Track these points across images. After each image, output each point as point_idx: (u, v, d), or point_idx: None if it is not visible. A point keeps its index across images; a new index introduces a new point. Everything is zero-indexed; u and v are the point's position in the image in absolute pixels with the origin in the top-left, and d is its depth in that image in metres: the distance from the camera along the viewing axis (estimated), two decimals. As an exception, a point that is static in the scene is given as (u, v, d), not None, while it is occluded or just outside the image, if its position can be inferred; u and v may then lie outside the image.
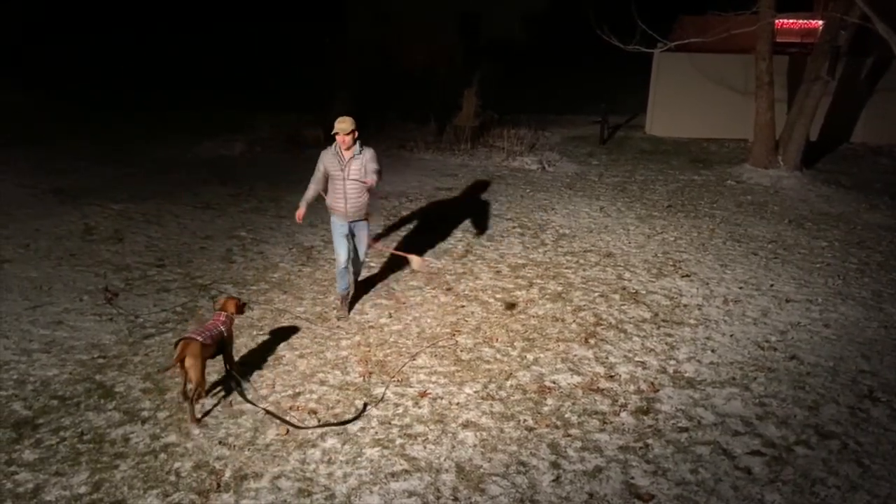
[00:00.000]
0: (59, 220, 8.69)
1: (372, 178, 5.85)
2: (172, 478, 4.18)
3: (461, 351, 5.72)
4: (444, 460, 4.36)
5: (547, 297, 6.78)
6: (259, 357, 5.56)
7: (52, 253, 7.63)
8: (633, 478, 4.22)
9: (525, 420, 4.79)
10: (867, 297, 6.93)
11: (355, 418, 4.76)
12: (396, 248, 7.88)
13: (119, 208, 9.20)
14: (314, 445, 4.49)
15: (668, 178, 11.47)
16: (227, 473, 4.22)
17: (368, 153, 5.97)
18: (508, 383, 5.24)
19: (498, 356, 5.64)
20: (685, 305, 6.65)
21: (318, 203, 6.34)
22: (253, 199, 9.81)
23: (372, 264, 7.47)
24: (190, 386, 4.69)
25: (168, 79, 18.87)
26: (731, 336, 6.06)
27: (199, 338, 4.62)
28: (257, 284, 6.97)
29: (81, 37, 20.97)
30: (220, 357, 4.97)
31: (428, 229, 8.57)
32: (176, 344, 4.73)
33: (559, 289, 6.97)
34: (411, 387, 5.18)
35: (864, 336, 6.10)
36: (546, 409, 4.93)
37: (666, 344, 5.90)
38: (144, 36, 21.50)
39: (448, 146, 12.96)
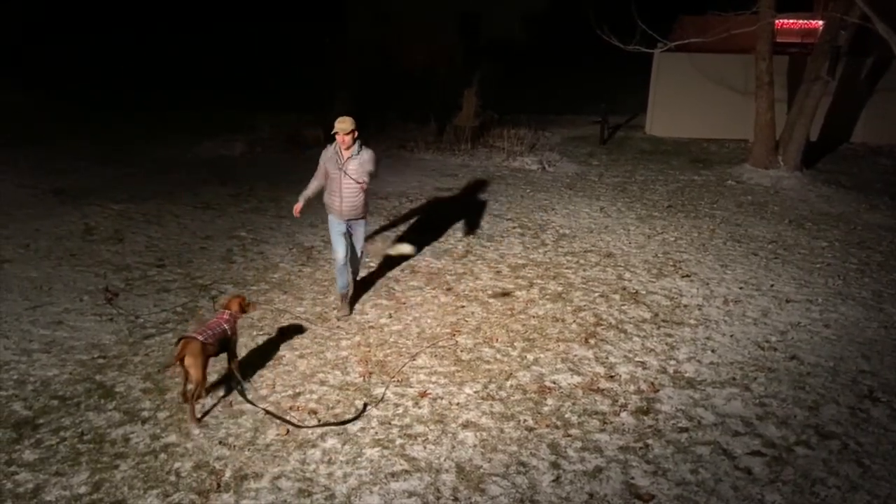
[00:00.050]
0: (60, 220, 8.69)
1: (362, 179, 5.91)
2: (172, 478, 4.18)
3: (461, 351, 5.72)
4: (444, 460, 4.36)
5: (547, 297, 6.78)
6: (259, 357, 5.56)
7: (52, 253, 7.64)
8: (633, 478, 4.22)
9: (525, 420, 4.79)
10: (867, 297, 6.93)
11: (355, 418, 4.76)
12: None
13: (119, 208, 9.20)
14: (314, 445, 4.49)
15: (669, 179, 11.47)
16: (228, 473, 4.22)
17: (367, 154, 5.99)
18: (508, 383, 5.24)
19: (498, 356, 5.64)
20: (685, 306, 6.65)
21: (319, 203, 6.34)
22: (253, 200, 9.81)
23: (371, 264, 7.47)
24: (190, 386, 4.70)
25: (168, 79, 18.87)
26: (732, 336, 6.06)
27: (199, 337, 4.63)
28: (257, 285, 6.97)
29: (81, 37, 20.98)
30: (221, 357, 4.97)
31: (428, 229, 8.57)
32: (177, 343, 4.73)
33: (559, 289, 6.97)
34: (411, 387, 5.18)
35: (865, 336, 6.10)
36: (546, 409, 4.93)
37: (666, 344, 5.90)
38: (144, 36, 21.51)
39: (448, 146, 12.96)
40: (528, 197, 10.22)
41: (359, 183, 5.93)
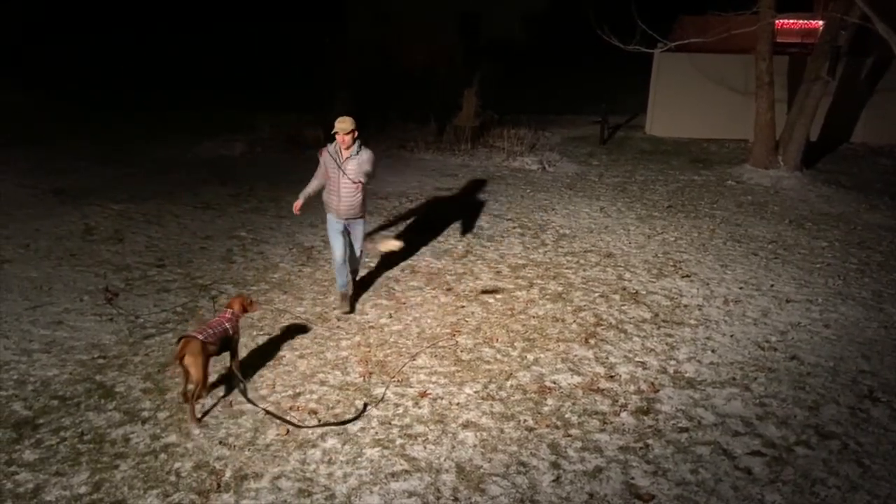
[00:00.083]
0: (60, 220, 8.69)
1: (359, 179, 5.93)
2: (173, 478, 4.18)
3: (461, 351, 5.72)
4: (445, 460, 4.36)
5: (547, 297, 6.78)
6: (259, 357, 5.57)
7: (52, 253, 7.63)
8: (633, 478, 4.22)
9: (525, 420, 4.79)
10: (867, 297, 6.93)
11: (355, 418, 4.76)
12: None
13: (119, 208, 9.20)
14: (314, 445, 4.49)
15: (669, 179, 11.47)
16: (228, 473, 4.22)
17: (366, 155, 6.02)
18: (509, 383, 5.24)
19: (498, 356, 5.64)
20: (685, 306, 6.65)
21: (319, 203, 6.35)
22: (253, 200, 9.81)
23: (371, 264, 7.47)
24: (190, 386, 4.70)
25: (168, 79, 18.87)
26: (732, 336, 6.06)
27: (199, 336, 4.63)
28: (257, 285, 6.97)
29: (81, 37, 20.99)
30: (221, 357, 4.97)
31: (428, 229, 8.57)
32: (177, 342, 4.74)
33: (559, 289, 6.97)
34: (411, 387, 5.18)
35: (865, 336, 6.10)
36: (546, 409, 4.93)
37: (666, 344, 5.90)
38: (144, 36, 21.51)
39: (448, 146, 12.97)
40: (528, 197, 10.22)
41: (355, 183, 5.95)
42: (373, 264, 7.47)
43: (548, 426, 4.72)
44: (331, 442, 4.52)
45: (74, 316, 6.22)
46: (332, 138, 6.04)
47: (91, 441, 4.50)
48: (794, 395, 5.14)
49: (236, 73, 18.69)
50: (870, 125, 13.90)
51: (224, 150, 12.90)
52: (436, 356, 5.63)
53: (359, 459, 4.36)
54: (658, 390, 5.18)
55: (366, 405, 4.92)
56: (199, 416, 4.71)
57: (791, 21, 14.20)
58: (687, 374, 5.41)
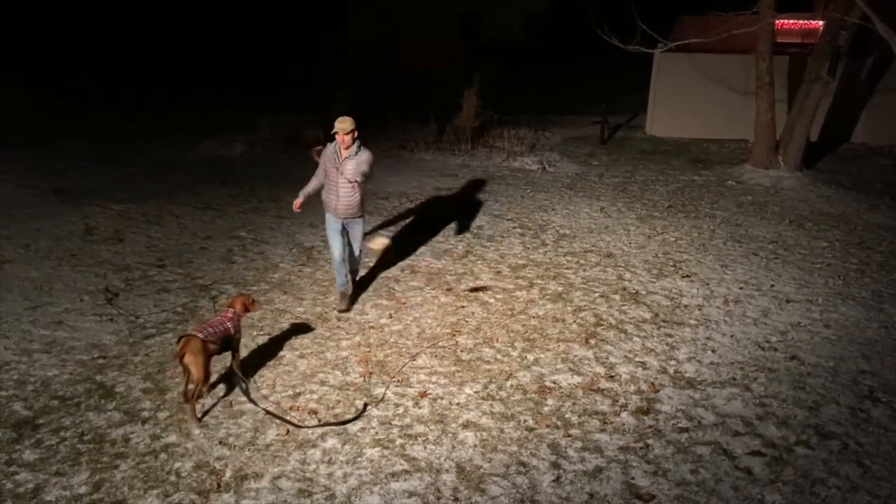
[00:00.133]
0: (60, 220, 8.69)
1: (354, 179, 5.94)
2: (173, 478, 4.18)
3: (461, 351, 5.72)
4: (445, 460, 4.36)
5: (547, 297, 6.78)
6: (259, 357, 5.56)
7: (52, 253, 7.63)
8: (633, 478, 4.22)
9: (525, 420, 4.79)
10: (867, 297, 6.93)
11: (355, 418, 4.76)
12: (392, 249, 7.90)
13: (119, 208, 9.20)
14: (314, 446, 4.49)
15: (669, 179, 11.47)
16: (228, 473, 4.21)
17: (365, 155, 6.04)
18: (509, 383, 5.24)
19: (498, 356, 5.64)
20: (685, 306, 6.65)
21: (319, 203, 6.36)
22: (253, 200, 9.81)
23: (371, 264, 7.47)
24: (191, 386, 4.70)
25: (168, 79, 18.87)
26: (732, 336, 6.06)
27: (199, 335, 4.63)
28: (258, 285, 6.97)
29: (81, 37, 20.99)
30: (221, 356, 4.97)
31: (428, 229, 8.57)
32: (177, 341, 4.74)
33: (559, 289, 6.97)
34: (411, 387, 5.18)
35: (865, 336, 6.10)
36: (546, 409, 4.93)
37: (666, 344, 5.90)
38: (144, 36, 21.51)
39: (448, 146, 12.96)
40: (529, 197, 10.22)
41: (350, 182, 5.96)
42: (373, 264, 7.47)
43: (548, 426, 4.72)
44: (331, 442, 4.52)
45: (75, 316, 6.22)
46: (331, 138, 6.06)
47: (91, 441, 4.50)
48: (795, 395, 5.14)
49: (236, 73, 18.69)
50: (870, 125, 13.90)
51: (224, 150, 12.90)
52: (436, 356, 5.63)
53: (359, 459, 4.36)
54: (658, 390, 5.18)
55: (366, 405, 4.92)
56: (199, 415, 4.71)
57: (791, 21, 14.20)
58: (687, 375, 5.41)
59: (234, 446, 4.46)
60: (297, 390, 5.12)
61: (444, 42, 15.82)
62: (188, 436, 4.56)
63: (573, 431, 4.67)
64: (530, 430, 4.68)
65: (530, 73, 20.26)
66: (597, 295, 6.85)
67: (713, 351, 5.79)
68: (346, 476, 4.21)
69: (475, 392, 5.12)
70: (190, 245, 8.02)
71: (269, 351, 5.67)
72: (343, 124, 5.92)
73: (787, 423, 4.79)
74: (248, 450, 4.43)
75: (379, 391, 5.11)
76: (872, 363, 5.62)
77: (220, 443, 4.49)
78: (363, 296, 6.75)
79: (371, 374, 5.35)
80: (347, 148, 6.00)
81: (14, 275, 7.03)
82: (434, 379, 5.29)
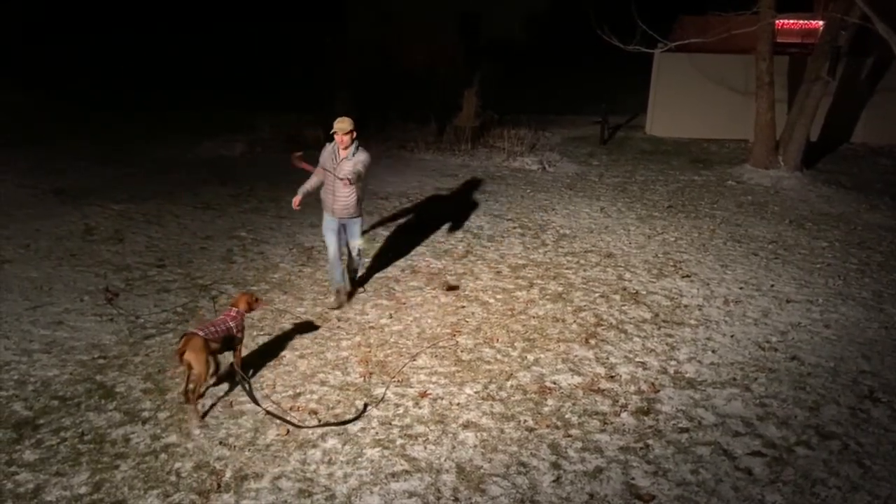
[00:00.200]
0: (60, 220, 8.69)
1: (346, 177, 5.92)
2: (173, 478, 4.18)
3: (462, 351, 5.72)
4: (445, 461, 4.36)
5: (547, 297, 6.78)
6: (259, 357, 5.56)
7: (52, 253, 7.63)
8: (633, 478, 4.22)
9: (525, 420, 4.79)
10: (868, 297, 6.93)
11: (356, 419, 4.76)
12: (392, 249, 7.90)
13: (119, 208, 9.20)
14: (314, 446, 4.49)
15: (669, 179, 11.47)
16: (228, 474, 4.21)
17: (362, 156, 6.06)
18: (509, 384, 5.24)
19: (498, 357, 5.64)
20: (686, 306, 6.65)
21: (320, 203, 6.36)
22: (253, 200, 9.81)
23: (371, 264, 7.48)
24: (191, 385, 4.70)
25: (168, 79, 18.87)
26: (732, 336, 6.06)
27: (200, 333, 4.64)
28: (258, 285, 6.96)
29: (81, 37, 20.98)
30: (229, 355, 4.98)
31: (428, 229, 8.57)
32: (179, 339, 4.75)
33: (560, 289, 6.97)
34: (412, 387, 5.18)
35: (865, 336, 6.10)
36: (546, 409, 4.93)
37: (666, 344, 5.90)
38: (144, 36, 21.50)
39: (448, 146, 12.96)
40: (529, 197, 10.22)
41: (342, 180, 5.96)
42: (373, 264, 7.47)
43: (548, 426, 4.72)
44: (331, 442, 4.52)
45: (75, 316, 6.22)
46: (331, 138, 6.08)
47: (91, 441, 4.50)
48: (795, 395, 5.14)
49: (236, 73, 18.69)
50: (870, 125, 13.91)
51: (224, 150, 12.90)
52: (436, 356, 5.62)
53: (359, 460, 4.36)
54: (658, 391, 5.18)
55: (366, 405, 4.92)
56: (201, 413, 4.71)
57: (791, 21, 14.20)
58: (687, 375, 5.41)
59: (235, 446, 4.46)
60: (298, 390, 5.11)
61: (444, 42, 15.82)
62: (188, 436, 4.56)
63: (573, 432, 4.67)
64: (530, 430, 4.68)
65: (530, 73, 20.25)
66: (597, 295, 6.84)
67: (713, 351, 5.79)
68: (347, 476, 4.21)
69: (475, 392, 5.12)
70: (190, 245, 8.02)
71: (269, 351, 5.67)
72: (342, 124, 5.94)
73: (787, 423, 4.79)
74: (249, 450, 4.43)
75: (379, 391, 5.11)
76: (872, 363, 5.62)
77: (221, 443, 4.49)
78: (363, 296, 6.75)
79: (371, 374, 5.35)
80: (346, 148, 6.02)
81: (14, 275, 7.03)
82: (434, 379, 5.29)
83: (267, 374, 5.33)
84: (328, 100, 13.22)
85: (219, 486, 4.11)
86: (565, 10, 22.97)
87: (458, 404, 4.96)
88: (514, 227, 8.83)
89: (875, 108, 13.75)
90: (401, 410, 4.89)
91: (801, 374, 5.43)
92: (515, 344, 5.84)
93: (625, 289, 7.01)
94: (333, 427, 4.66)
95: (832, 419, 4.85)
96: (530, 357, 5.63)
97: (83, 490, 4.07)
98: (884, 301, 6.84)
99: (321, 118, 11.79)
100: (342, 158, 6.04)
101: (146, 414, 4.80)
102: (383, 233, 8.51)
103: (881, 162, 12.88)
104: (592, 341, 5.91)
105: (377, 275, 7.26)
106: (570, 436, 4.62)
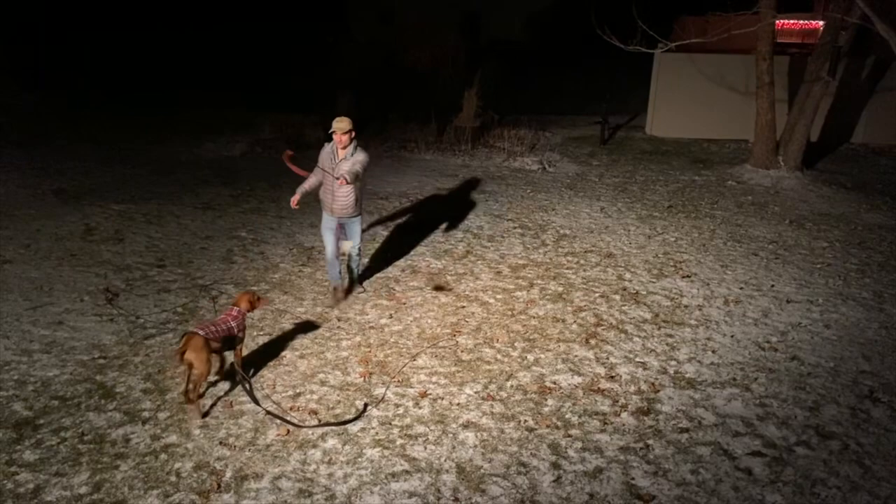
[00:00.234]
0: (60, 220, 8.69)
1: (341, 176, 5.91)
2: (173, 478, 4.18)
3: (462, 351, 5.72)
4: (445, 461, 4.36)
5: (547, 297, 6.78)
6: (259, 357, 5.56)
7: (52, 253, 7.64)
8: (633, 478, 4.22)
9: (526, 420, 4.79)
10: (868, 297, 6.93)
11: (356, 419, 4.76)
12: (392, 249, 7.90)
13: (120, 209, 9.21)
14: (315, 446, 4.49)
15: (669, 179, 11.47)
16: (228, 474, 4.22)
17: (360, 156, 6.07)
18: (509, 384, 5.24)
19: (498, 357, 5.64)
20: (686, 306, 6.65)
21: (319, 203, 6.36)
22: (253, 200, 9.81)
23: (372, 264, 7.48)
24: (192, 385, 4.71)
25: (169, 79, 18.87)
26: (732, 337, 6.05)
27: (200, 332, 4.64)
28: (258, 285, 6.97)
29: (82, 37, 20.98)
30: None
31: (428, 229, 8.57)
32: (180, 338, 4.75)
33: (560, 289, 6.97)
34: (412, 387, 5.18)
35: (865, 336, 6.10)
36: (547, 409, 4.93)
37: (667, 344, 5.89)
38: (145, 36, 21.50)
39: (449, 147, 12.97)
40: (529, 197, 10.22)
41: (336, 179, 5.96)
42: (373, 264, 7.47)
43: (548, 426, 4.72)
44: (331, 442, 4.52)
45: (75, 316, 6.22)
46: (329, 137, 6.10)
47: (91, 441, 4.50)
48: (795, 395, 5.14)
49: (237, 73, 18.70)
50: (870, 125, 13.91)
51: (225, 150, 12.91)
52: (436, 356, 5.63)
53: (359, 460, 4.36)
54: (658, 391, 5.18)
55: (366, 405, 4.92)
56: (203, 411, 4.72)
57: (791, 21, 14.22)
58: (687, 375, 5.41)
59: (235, 446, 4.46)
60: (298, 390, 5.12)
61: (444, 42, 15.84)
62: (188, 436, 4.56)
63: (573, 432, 4.67)
64: (530, 430, 4.68)
65: (531, 73, 20.26)
66: (597, 295, 6.84)
67: (713, 351, 5.79)
68: (347, 476, 4.21)
69: (475, 392, 5.12)
70: (190, 245, 8.02)
71: (269, 351, 5.68)
72: (340, 124, 5.95)
73: (787, 423, 4.79)
74: (249, 450, 4.43)
75: (379, 391, 5.11)
76: (873, 363, 5.62)
77: (221, 443, 4.49)
78: (363, 296, 6.75)
79: (371, 374, 5.35)
80: (344, 148, 6.04)
81: (14, 275, 7.04)
82: (434, 379, 5.29)
83: (267, 374, 5.33)
84: (329, 100, 13.23)
85: (219, 486, 4.11)
86: (566, 11, 22.96)
87: (458, 404, 4.97)
88: (515, 227, 8.83)
89: (875, 109, 13.76)
90: (401, 410, 4.89)
91: (802, 374, 5.43)
92: (515, 344, 5.84)
93: (625, 289, 7.01)
94: (333, 427, 4.67)
95: (832, 419, 4.85)
96: (530, 357, 5.63)
97: (83, 490, 4.07)
98: (884, 301, 6.84)
99: (322, 118, 11.81)
100: (340, 158, 6.06)
101: (146, 414, 4.80)
102: (383, 233, 8.52)
103: (881, 162, 12.88)
104: (592, 341, 5.91)
105: (377, 275, 7.26)
106: (570, 436, 4.62)
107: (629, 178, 11.49)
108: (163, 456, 4.37)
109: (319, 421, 4.74)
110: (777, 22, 11.86)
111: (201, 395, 4.85)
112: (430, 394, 5.09)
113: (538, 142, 13.55)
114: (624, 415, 4.87)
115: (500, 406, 4.96)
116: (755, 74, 11.46)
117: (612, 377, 5.36)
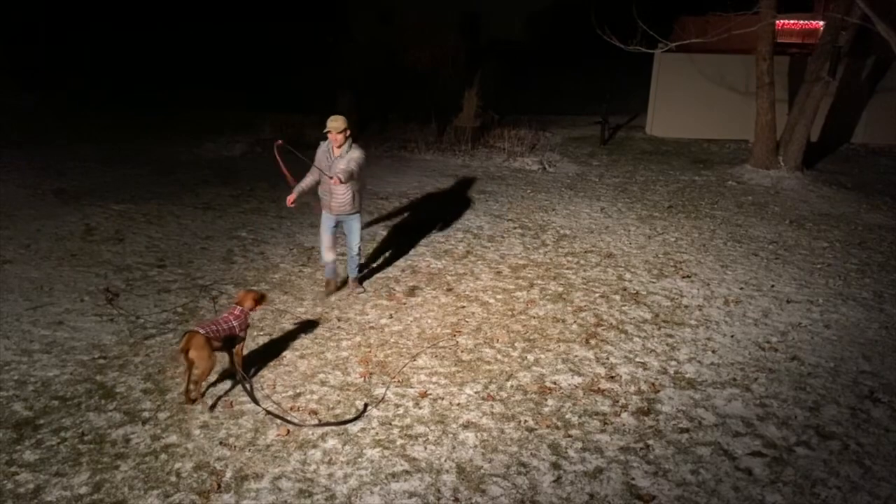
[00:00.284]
0: (61, 220, 8.69)
1: (336, 175, 5.94)
2: (173, 478, 4.18)
3: (462, 351, 5.72)
4: (445, 461, 4.36)
5: (548, 297, 6.78)
6: (260, 357, 5.56)
7: (52, 253, 7.64)
8: (633, 479, 4.22)
9: (526, 421, 4.79)
10: (868, 297, 6.93)
11: (356, 419, 4.76)
12: (392, 249, 7.90)
13: (120, 209, 9.21)
14: (315, 446, 4.49)
15: (669, 179, 11.47)
16: (228, 474, 4.21)
17: (356, 153, 6.10)
18: (509, 384, 5.24)
19: (499, 357, 5.64)
20: (686, 306, 6.65)
21: (319, 203, 6.37)
22: (254, 200, 9.81)
23: (372, 264, 7.48)
24: (192, 385, 4.71)
25: (169, 79, 18.88)
26: (732, 337, 6.05)
27: (201, 331, 4.65)
28: (258, 285, 6.96)
29: (82, 36, 20.98)
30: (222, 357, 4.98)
31: (428, 229, 8.57)
32: (181, 337, 4.76)
33: (560, 289, 6.97)
34: (412, 387, 5.18)
35: (865, 337, 6.10)
36: (547, 409, 4.93)
37: (667, 345, 5.89)
38: (145, 36, 21.50)
39: (449, 147, 12.98)
40: (529, 197, 10.22)
41: (331, 178, 5.97)
42: (373, 264, 7.47)
43: (548, 427, 4.72)
44: (331, 442, 4.52)
45: (75, 316, 6.22)
46: (325, 137, 6.12)
47: (91, 441, 4.50)
48: (795, 395, 5.14)
49: (238, 73, 18.70)
50: (870, 126, 13.91)
51: (225, 150, 12.92)
52: (436, 356, 5.62)
53: (359, 460, 4.36)
54: (659, 391, 5.18)
55: (366, 405, 4.92)
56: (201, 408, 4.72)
57: (791, 21, 14.22)
58: (687, 375, 5.41)
59: (235, 447, 4.46)
60: (298, 390, 5.12)
61: (444, 42, 15.83)
62: (188, 436, 4.56)
63: (573, 432, 4.67)
64: (531, 430, 4.68)
65: (531, 73, 20.27)
66: (597, 295, 6.84)
67: (713, 351, 5.79)
68: (347, 476, 4.21)
69: (475, 392, 5.12)
70: (190, 245, 8.02)
71: (269, 351, 5.67)
72: (335, 123, 5.98)
73: (787, 423, 4.79)
74: (249, 450, 4.43)
75: (379, 391, 5.11)
76: (873, 363, 5.62)
77: (221, 443, 4.49)
78: (363, 296, 6.75)
79: (371, 374, 5.35)
80: (339, 146, 6.06)
81: (15, 275, 7.04)
82: (434, 379, 5.29)
83: (267, 374, 5.33)
84: (329, 100, 13.22)
85: (219, 486, 4.11)
86: (566, 11, 22.97)
87: (458, 404, 4.96)
88: (515, 228, 8.83)
89: (875, 109, 13.76)
90: (401, 410, 4.89)
91: (802, 375, 5.43)
92: (516, 344, 5.84)
93: (625, 289, 7.01)
94: (333, 427, 4.67)
95: (832, 419, 4.85)
96: (530, 357, 5.63)
97: (83, 490, 4.07)
98: (884, 301, 6.84)
99: (322, 118, 11.79)
100: (336, 157, 6.08)
101: (146, 414, 4.80)
102: (383, 233, 8.52)
103: (882, 162, 12.88)
104: (593, 341, 5.91)
105: (377, 275, 7.26)
106: (570, 436, 4.62)
107: (629, 178, 11.49)
108: (163, 456, 4.37)
109: (319, 421, 4.74)
110: (777, 22, 11.86)
111: (202, 395, 4.85)
112: (431, 394, 5.09)
113: (538, 142, 13.55)
114: (624, 415, 4.87)
115: (500, 406, 4.96)
116: (755, 74, 11.46)
117: (612, 377, 5.36)
